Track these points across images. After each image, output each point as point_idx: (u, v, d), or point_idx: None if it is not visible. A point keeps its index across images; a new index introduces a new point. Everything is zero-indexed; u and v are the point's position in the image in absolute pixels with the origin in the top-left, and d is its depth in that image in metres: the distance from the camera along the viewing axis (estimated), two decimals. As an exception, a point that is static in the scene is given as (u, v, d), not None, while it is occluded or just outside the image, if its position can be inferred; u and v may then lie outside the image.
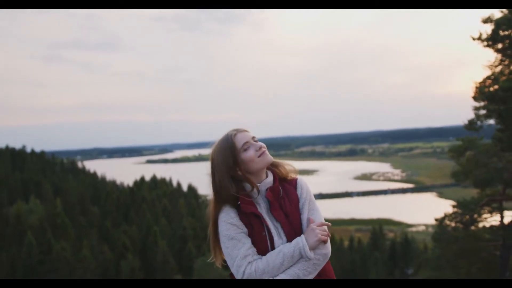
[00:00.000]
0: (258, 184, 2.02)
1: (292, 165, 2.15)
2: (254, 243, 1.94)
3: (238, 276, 1.89)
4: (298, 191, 2.07)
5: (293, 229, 1.97)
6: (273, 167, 2.12)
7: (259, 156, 2.01)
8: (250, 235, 1.95)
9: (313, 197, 2.08)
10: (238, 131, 2.07)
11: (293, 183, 2.10)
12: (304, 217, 2.01)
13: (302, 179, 2.13)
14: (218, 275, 28.84)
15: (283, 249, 1.90)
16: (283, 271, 1.88)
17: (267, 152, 2.04)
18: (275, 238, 1.94)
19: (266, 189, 2.03)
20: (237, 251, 1.91)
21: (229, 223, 1.96)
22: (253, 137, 2.06)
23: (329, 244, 1.95)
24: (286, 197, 2.04)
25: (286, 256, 1.87)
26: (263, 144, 2.05)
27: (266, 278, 1.86)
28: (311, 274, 1.91)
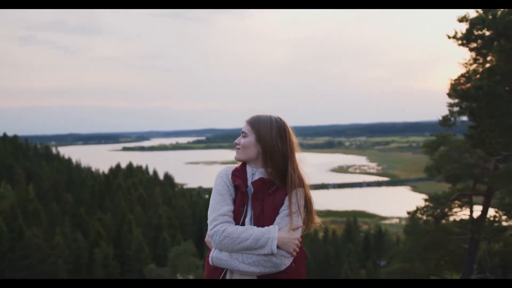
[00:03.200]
0: (255, 169, 2.13)
1: (299, 181, 2.16)
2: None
3: (209, 228, 2.02)
4: (286, 201, 2.08)
5: (261, 226, 2.02)
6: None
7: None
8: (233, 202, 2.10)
9: (296, 212, 2.07)
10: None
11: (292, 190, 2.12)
12: (278, 219, 2.04)
13: (299, 190, 2.12)
14: (191, 263, 28.86)
15: (254, 229, 1.98)
16: (240, 251, 1.96)
17: (237, 149, 2.15)
18: (247, 219, 2.04)
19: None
20: (219, 207, 2.04)
21: (224, 181, 2.11)
22: (242, 132, 2.16)
23: (287, 259, 2.00)
24: (273, 196, 2.07)
25: (253, 236, 1.95)
26: (239, 142, 2.15)
27: (225, 243, 1.96)
28: (264, 268, 1.95)
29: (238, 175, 2.12)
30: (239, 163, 2.19)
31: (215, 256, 1.99)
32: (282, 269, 1.97)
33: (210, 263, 2.01)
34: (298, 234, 2.05)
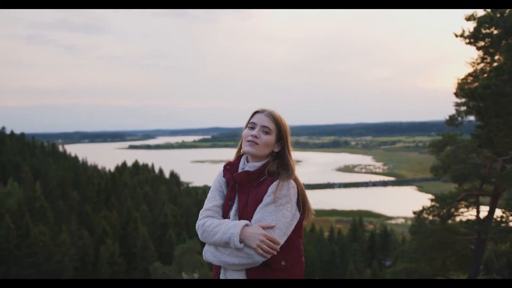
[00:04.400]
0: (247, 163, 2.10)
1: (292, 171, 2.06)
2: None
3: (198, 220, 2.10)
4: (269, 189, 2.00)
5: (245, 219, 2.00)
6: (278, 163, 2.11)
7: (247, 141, 2.08)
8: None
9: (284, 205, 1.96)
10: (261, 111, 2.12)
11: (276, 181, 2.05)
12: (256, 217, 1.97)
13: (285, 182, 2.00)
14: (196, 261, 28.89)
15: (225, 223, 1.98)
16: (216, 244, 1.97)
17: (255, 143, 2.06)
18: (231, 213, 2.05)
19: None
20: (207, 203, 2.12)
21: (217, 178, 2.17)
22: (265, 126, 2.07)
23: (259, 255, 1.90)
24: (258, 188, 2.04)
25: (221, 231, 1.96)
26: (259, 136, 2.06)
27: (204, 237, 2.02)
28: (241, 259, 1.92)
29: (230, 168, 2.12)
30: (235, 156, 2.18)
31: (205, 249, 2.04)
32: (257, 262, 1.90)
33: (203, 257, 2.06)
34: (275, 229, 1.93)
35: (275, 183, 2.00)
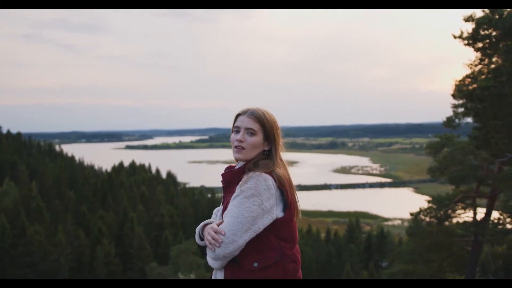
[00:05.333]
0: (239, 164, 2.04)
1: (268, 165, 1.95)
2: None
3: None
4: (238, 186, 1.93)
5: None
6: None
7: (234, 147, 2.00)
8: None
9: (249, 198, 1.85)
10: (243, 113, 2.02)
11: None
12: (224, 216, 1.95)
13: (254, 174, 1.89)
14: (193, 262, 28.83)
15: (202, 224, 2.00)
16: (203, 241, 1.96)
17: (241, 149, 1.97)
18: (218, 214, 2.04)
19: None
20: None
21: None
22: (249, 128, 1.97)
23: (214, 251, 1.86)
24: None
25: (196, 230, 2.00)
26: (244, 139, 1.97)
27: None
28: (213, 261, 1.91)
29: (228, 171, 2.07)
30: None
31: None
32: (217, 255, 1.85)
33: None
34: (227, 225, 1.85)
35: (244, 176, 1.91)
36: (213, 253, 1.86)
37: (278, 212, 1.90)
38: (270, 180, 1.88)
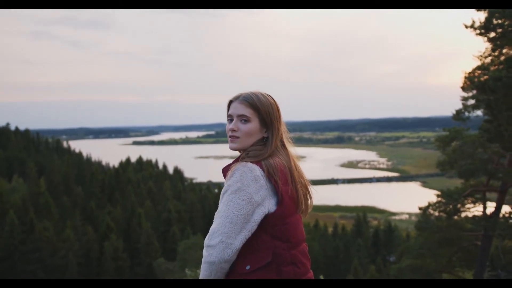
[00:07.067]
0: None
1: (256, 153, 1.76)
2: None
3: None
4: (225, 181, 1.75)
5: None
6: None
7: (228, 137, 1.83)
8: None
9: (236, 193, 1.66)
10: (234, 99, 1.83)
11: None
12: None
13: (240, 166, 1.71)
14: (200, 257, 28.88)
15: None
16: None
17: (235, 138, 1.80)
18: None
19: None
20: None
21: None
22: (241, 115, 1.79)
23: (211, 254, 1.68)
24: None
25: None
26: (237, 128, 1.79)
27: None
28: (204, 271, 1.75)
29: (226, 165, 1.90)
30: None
31: None
32: (209, 261, 1.69)
33: None
34: (219, 227, 1.65)
35: (230, 170, 1.72)
36: (210, 260, 1.69)
37: (270, 206, 1.69)
38: (257, 170, 1.68)
